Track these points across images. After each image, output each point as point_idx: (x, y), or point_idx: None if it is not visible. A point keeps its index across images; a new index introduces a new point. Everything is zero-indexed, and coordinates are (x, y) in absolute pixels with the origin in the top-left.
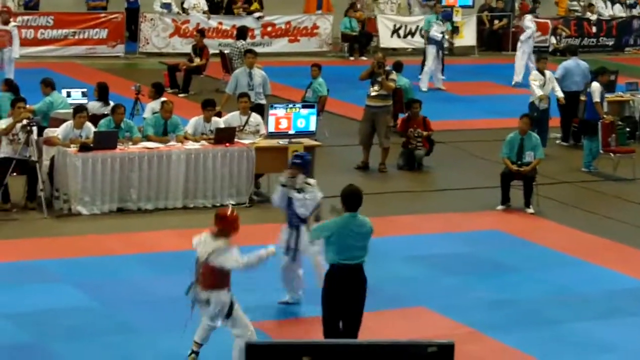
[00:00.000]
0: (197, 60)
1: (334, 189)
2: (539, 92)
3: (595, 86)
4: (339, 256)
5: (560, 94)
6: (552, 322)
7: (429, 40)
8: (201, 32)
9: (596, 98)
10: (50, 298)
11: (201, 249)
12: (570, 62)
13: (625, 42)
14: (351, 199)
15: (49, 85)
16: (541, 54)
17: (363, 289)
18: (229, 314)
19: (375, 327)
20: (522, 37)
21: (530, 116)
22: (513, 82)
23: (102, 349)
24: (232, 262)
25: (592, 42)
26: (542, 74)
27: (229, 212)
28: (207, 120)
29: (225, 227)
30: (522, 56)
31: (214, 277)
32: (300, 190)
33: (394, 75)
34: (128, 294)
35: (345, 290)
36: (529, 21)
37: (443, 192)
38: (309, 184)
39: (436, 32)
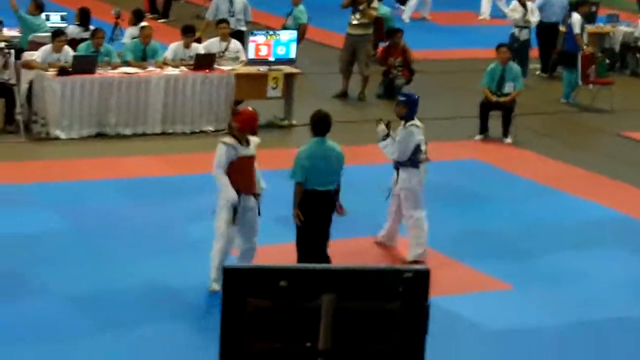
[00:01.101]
0: None
1: None
2: (517, 15)
3: (576, 17)
4: (310, 182)
5: (534, 20)
6: (528, 251)
7: None
8: None
9: (577, 29)
10: (28, 222)
11: None
12: None
13: None
14: (320, 124)
15: (38, 7)
16: None
17: (332, 214)
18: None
19: (352, 254)
20: None
21: (508, 46)
22: (480, 17)
23: (80, 274)
24: (214, 161)
25: None
26: (524, 5)
27: (248, 109)
28: (187, 46)
29: (238, 122)
30: None
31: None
32: (385, 137)
33: (375, 4)
34: (106, 219)
35: (318, 216)
36: None
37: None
38: (405, 126)
39: None
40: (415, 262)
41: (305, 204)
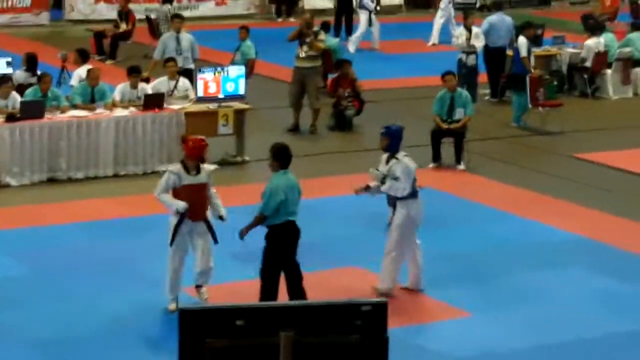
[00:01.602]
0: (123, 26)
1: (266, 151)
2: (460, 41)
3: (522, 41)
4: (283, 214)
5: (479, 45)
6: (485, 276)
7: (361, 6)
8: None
9: (523, 53)
10: None
11: None
12: (495, 17)
13: None
14: (284, 155)
15: None
16: (469, 11)
17: (297, 243)
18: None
19: (310, 288)
20: (442, 4)
21: (453, 73)
22: (430, 43)
23: (44, 317)
24: (157, 187)
25: None
26: (469, 30)
27: (197, 137)
28: (134, 86)
29: (184, 150)
30: (440, 19)
31: None
32: (383, 180)
33: (322, 36)
34: (65, 262)
35: (289, 247)
36: None
37: (374, 152)
38: (397, 159)
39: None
40: (385, 294)
41: (280, 236)
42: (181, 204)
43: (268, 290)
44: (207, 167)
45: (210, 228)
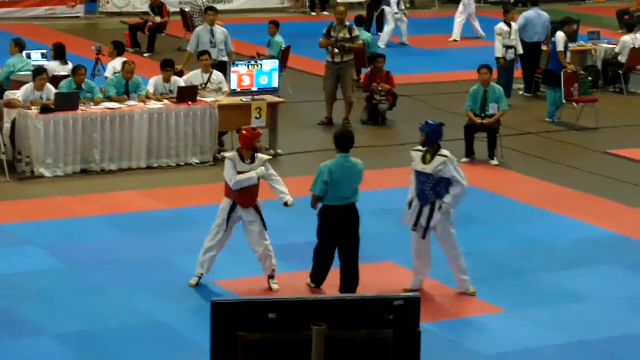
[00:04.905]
0: (157, 19)
1: (299, 145)
2: (499, 54)
3: (560, 35)
4: (332, 197)
5: (520, 51)
6: (519, 273)
7: (387, 3)
8: None
9: (560, 47)
10: (17, 261)
11: None
12: (531, 13)
13: None
14: (343, 140)
15: (18, 46)
16: (509, 6)
17: (356, 225)
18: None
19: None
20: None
21: (489, 67)
22: (451, 39)
23: (72, 310)
24: (226, 176)
25: None
26: (509, 25)
27: (250, 127)
28: (167, 80)
29: (239, 139)
30: (460, 15)
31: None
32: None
33: (356, 32)
34: (96, 255)
35: (338, 228)
36: None
37: (407, 146)
38: (444, 156)
39: None
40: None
41: (327, 218)
42: (256, 173)
43: (316, 268)
44: (261, 156)
45: (259, 214)
